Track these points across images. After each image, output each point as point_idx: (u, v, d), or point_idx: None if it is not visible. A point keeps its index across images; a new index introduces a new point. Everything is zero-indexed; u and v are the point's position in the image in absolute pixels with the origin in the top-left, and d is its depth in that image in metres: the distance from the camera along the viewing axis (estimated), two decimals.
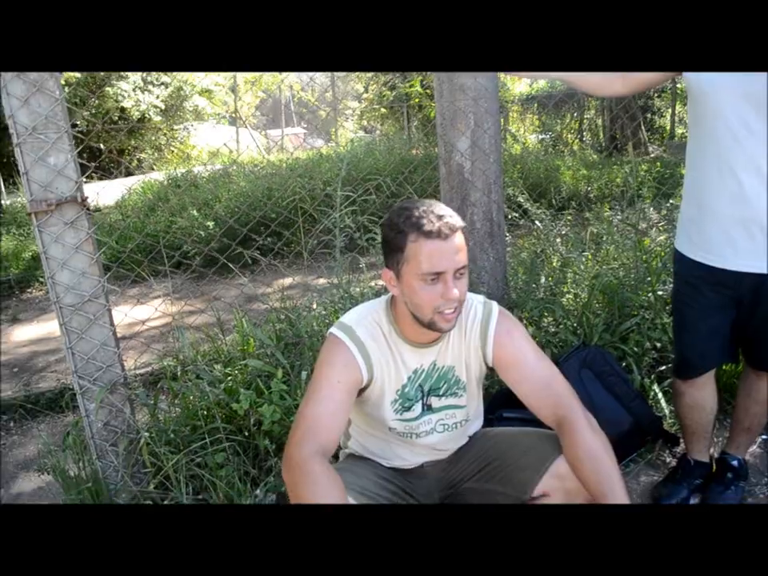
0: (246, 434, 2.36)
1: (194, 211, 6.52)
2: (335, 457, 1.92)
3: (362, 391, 1.66)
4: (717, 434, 2.54)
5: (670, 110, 11.90)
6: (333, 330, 1.65)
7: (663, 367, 2.80)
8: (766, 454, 2.52)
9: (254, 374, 2.51)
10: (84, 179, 2.04)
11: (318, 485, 1.37)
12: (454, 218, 1.50)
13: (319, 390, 1.54)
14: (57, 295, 2.04)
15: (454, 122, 2.78)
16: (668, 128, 12.15)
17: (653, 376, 2.76)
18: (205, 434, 2.23)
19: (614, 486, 1.43)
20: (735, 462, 2.29)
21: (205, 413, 2.36)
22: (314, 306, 3.03)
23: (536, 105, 12.80)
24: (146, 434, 2.17)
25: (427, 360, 1.69)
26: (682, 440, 2.40)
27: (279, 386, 2.35)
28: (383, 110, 11.57)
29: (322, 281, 4.24)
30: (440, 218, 1.47)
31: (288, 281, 4.99)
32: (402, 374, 1.68)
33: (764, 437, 2.59)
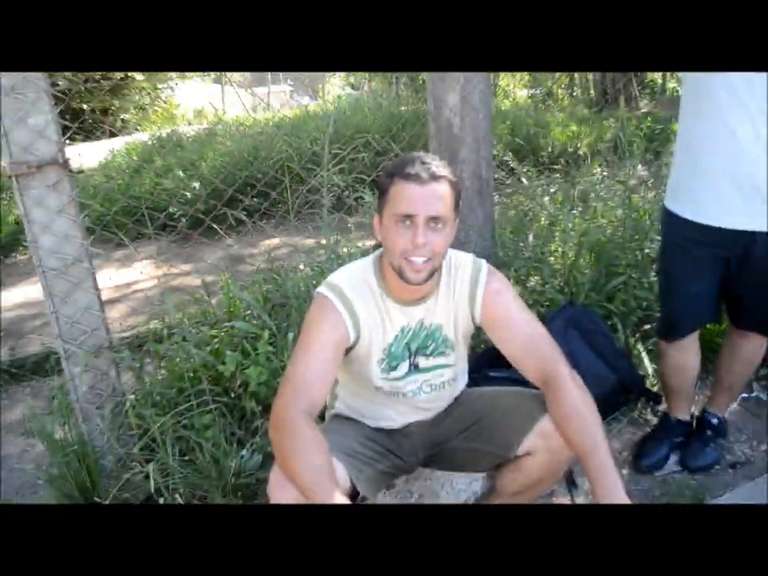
0: (233, 395, 2.38)
1: (180, 172, 6.41)
2: (321, 417, 1.94)
3: (348, 350, 1.66)
4: (698, 392, 2.59)
5: None
6: (320, 288, 1.65)
7: (648, 326, 2.82)
8: (746, 411, 2.58)
9: (240, 335, 2.52)
10: (66, 141, 2.02)
11: (303, 446, 1.39)
12: (440, 169, 1.51)
13: (307, 350, 1.55)
14: (40, 259, 2.03)
15: (443, 77, 2.74)
16: (659, 82, 12.04)
17: (638, 335, 2.79)
18: (191, 396, 2.23)
19: (597, 444, 1.47)
20: (715, 420, 2.35)
21: (191, 375, 2.36)
22: (301, 267, 3.03)
23: None
24: (132, 396, 2.19)
25: (414, 319, 1.69)
26: (664, 398, 2.44)
27: (265, 347, 2.36)
28: None
29: (309, 241, 4.22)
30: (424, 164, 1.50)
31: (275, 242, 4.97)
32: (389, 332, 1.68)
33: (744, 395, 2.65)
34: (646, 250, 3.01)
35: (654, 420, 2.53)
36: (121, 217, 4.82)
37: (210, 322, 2.68)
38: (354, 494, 1.58)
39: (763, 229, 1.86)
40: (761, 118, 1.75)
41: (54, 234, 2.02)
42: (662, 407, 2.53)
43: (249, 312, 2.66)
